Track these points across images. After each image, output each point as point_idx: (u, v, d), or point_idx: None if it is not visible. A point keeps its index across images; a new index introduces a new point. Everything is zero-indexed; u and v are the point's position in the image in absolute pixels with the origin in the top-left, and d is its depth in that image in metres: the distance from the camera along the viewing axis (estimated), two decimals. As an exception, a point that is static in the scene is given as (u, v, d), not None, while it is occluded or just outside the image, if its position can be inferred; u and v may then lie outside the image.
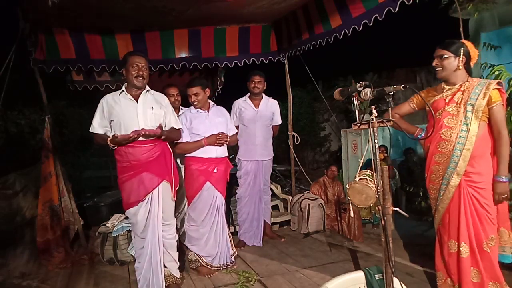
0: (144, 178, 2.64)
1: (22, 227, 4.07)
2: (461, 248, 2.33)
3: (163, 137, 2.70)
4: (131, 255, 3.53)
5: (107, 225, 3.63)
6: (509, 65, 3.54)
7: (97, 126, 2.71)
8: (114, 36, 4.32)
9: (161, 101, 2.83)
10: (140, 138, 2.62)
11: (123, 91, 2.72)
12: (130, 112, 2.66)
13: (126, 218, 3.72)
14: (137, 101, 2.70)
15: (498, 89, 2.25)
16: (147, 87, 2.78)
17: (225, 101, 4.22)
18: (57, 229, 3.78)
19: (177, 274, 2.93)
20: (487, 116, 2.29)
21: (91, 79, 5.26)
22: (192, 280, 3.09)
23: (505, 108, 2.32)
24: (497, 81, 2.31)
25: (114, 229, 3.58)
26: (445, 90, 2.42)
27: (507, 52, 4.23)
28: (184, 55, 4.67)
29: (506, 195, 2.24)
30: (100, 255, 3.56)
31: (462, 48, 2.30)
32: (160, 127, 2.68)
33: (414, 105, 2.60)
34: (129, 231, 3.60)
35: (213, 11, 3.88)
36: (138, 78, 2.66)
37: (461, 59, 2.30)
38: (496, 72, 3.08)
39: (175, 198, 2.86)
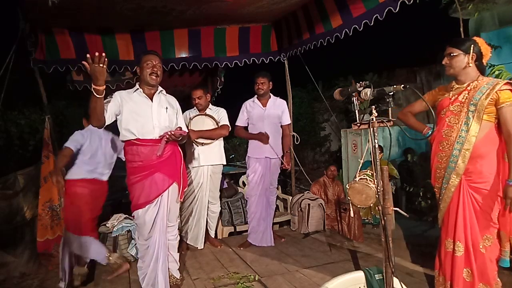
0: (156, 179, 2.61)
1: (22, 227, 4.07)
2: (456, 247, 2.33)
3: (180, 138, 2.67)
4: (131, 255, 3.54)
5: (107, 225, 3.63)
6: (509, 65, 3.54)
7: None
8: (114, 36, 4.32)
9: (173, 103, 2.84)
10: (152, 136, 2.60)
11: (137, 89, 2.70)
12: (145, 110, 2.64)
13: (126, 218, 3.73)
14: (151, 100, 2.69)
15: (510, 89, 2.17)
16: (160, 88, 2.77)
17: (225, 100, 4.24)
18: (57, 229, 3.78)
19: (177, 274, 2.92)
20: (495, 116, 2.22)
21: (91, 79, 5.26)
22: (192, 281, 3.09)
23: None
24: (506, 81, 2.22)
25: (114, 229, 3.58)
26: (453, 89, 2.39)
27: (507, 52, 4.23)
28: (184, 55, 4.67)
29: None
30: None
31: (472, 46, 2.24)
32: (180, 128, 2.67)
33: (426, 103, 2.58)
34: (129, 231, 3.60)
35: (213, 11, 3.89)
36: (152, 75, 2.65)
37: (470, 56, 2.25)
38: (496, 72, 3.08)
39: (181, 199, 2.84)
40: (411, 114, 2.65)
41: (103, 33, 4.24)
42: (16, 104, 6.06)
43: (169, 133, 2.57)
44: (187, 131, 2.86)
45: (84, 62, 2.23)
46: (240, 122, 3.98)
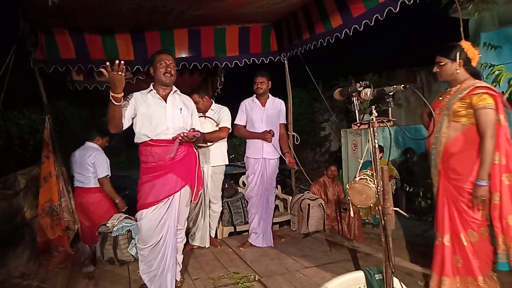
0: (169, 180, 2.57)
1: (22, 227, 4.06)
2: (444, 240, 2.46)
3: (195, 139, 2.62)
4: (131, 255, 3.54)
5: (107, 224, 3.63)
6: (509, 65, 3.54)
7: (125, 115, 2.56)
8: (114, 36, 4.32)
9: (187, 104, 2.80)
10: (166, 137, 2.57)
11: (151, 90, 2.67)
12: (158, 112, 2.60)
13: (126, 218, 3.72)
14: (165, 101, 2.66)
15: (486, 92, 2.25)
16: (174, 88, 2.74)
17: (225, 100, 4.23)
18: (57, 229, 3.78)
19: (178, 277, 2.90)
20: (473, 118, 2.30)
21: (91, 79, 5.27)
22: (192, 281, 3.09)
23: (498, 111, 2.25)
24: (477, 85, 2.29)
25: (114, 229, 3.58)
26: (445, 93, 2.51)
27: (507, 52, 4.22)
28: (184, 55, 4.67)
29: (484, 199, 2.26)
30: (100, 255, 3.56)
31: (459, 53, 2.35)
32: (194, 130, 2.63)
33: None
34: (129, 231, 3.60)
35: (213, 11, 3.89)
36: (166, 74, 2.62)
37: (457, 63, 2.35)
38: (496, 72, 3.07)
39: (195, 201, 2.81)
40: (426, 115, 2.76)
41: (103, 33, 4.24)
42: (16, 104, 6.06)
43: (182, 134, 2.54)
44: (201, 131, 2.81)
45: (102, 69, 2.25)
46: (240, 121, 3.96)
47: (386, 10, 3.16)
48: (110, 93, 2.32)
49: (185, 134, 2.54)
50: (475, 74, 2.42)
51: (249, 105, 3.93)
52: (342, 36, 3.75)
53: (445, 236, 2.45)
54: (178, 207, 2.65)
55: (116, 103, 2.35)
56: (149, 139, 2.57)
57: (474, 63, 2.39)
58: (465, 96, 2.30)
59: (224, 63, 4.84)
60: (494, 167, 2.26)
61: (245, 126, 3.97)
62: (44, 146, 3.84)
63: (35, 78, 3.89)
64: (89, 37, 4.20)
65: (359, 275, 2.07)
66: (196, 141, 2.68)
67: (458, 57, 2.34)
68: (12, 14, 3.63)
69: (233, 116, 4.03)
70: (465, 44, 2.38)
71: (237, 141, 10.48)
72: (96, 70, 4.41)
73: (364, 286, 2.05)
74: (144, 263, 2.67)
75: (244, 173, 4.73)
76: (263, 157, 3.85)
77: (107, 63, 2.24)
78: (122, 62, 2.25)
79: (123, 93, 2.35)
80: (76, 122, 7.86)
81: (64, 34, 4.06)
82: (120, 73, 2.25)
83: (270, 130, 3.78)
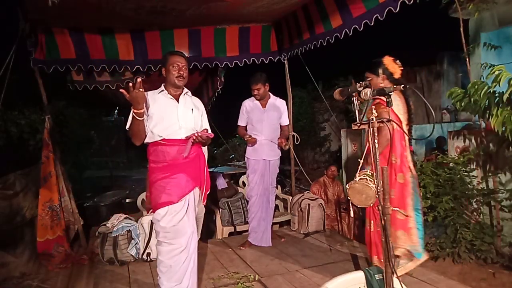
0: (180, 180, 2.54)
1: (22, 227, 4.07)
2: (371, 226, 2.80)
3: (204, 140, 2.60)
4: (131, 255, 3.54)
5: (107, 225, 3.63)
6: (509, 65, 3.54)
7: None
8: (114, 36, 4.32)
9: (198, 105, 2.79)
10: (179, 137, 2.56)
11: (162, 90, 2.66)
12: (170, 111, 2.59)
13: (126, 218, 3.73)
14: (177, 101, 2.66)
15: (378, 103, 2.59)
16: (186, 89, 2.74)
17: (225, 100, 4.23)
18: (57, 229, 3.79)
19: None
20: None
21: (91, 79, 5.27)
22: (192, 280, 3.09)
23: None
24: (376, 96, 2.49)
25: (114, 229, 3.58)
26: None
27: (507, 52, 4.24)
28: (184, 55, 4.66)
29: None
30: (100, 255, 3.56)
31: (381, 69, 2.73)
32: (207, 130, 2.62)
33: None
34: (129, 231, 3.61)
35: (213, 11, 3.89)
36: (179, 78, 2.60)
37: (381, 78, 2.73)
38: (496, 72, 3.07)
39: (204, 203, 2.80)
40: None
41: (103, 33, 4.24)
42: (16, 104, 6.05)
43: (195, 134, 2.52)
44: (213, 134, 2.77)
45: (122, 91, 2.28)
46: (241, 122, 3.97)
47: (386, 10, 3.16)
48: (133, 110, 2.35)
49: (199, 134, 2.52)
50: (398, 84, 2.69)
51: (249, 105, 3.92)
52: (342, 36, 3.74)
53: (371, 223, 2.78)
54: (195, 208, 2.63)
55: (139, 118, 2.38)
56: (161, 138, 2.56)
57: (396, 76, 2.73)
58: (373, 104, 2.63)
59: (224, 63, 4.83)
60: (391, 166, 2.60)
61: (245, 127, 3.98)
62: (44, 146, 3.84)
63: (35, 78, 3.89)
64: (89, 37, 4.20)
65: (359, 275, 2.07)
66: (206, 142, 2.67)
67: (381, 73, 2.72)
68: (12, 14, 3.64)
69: (234, 115, 4.04)
70: (386, 60, 2.74)
71: (237, 141, 10.49)
72: (96, 70, 4.42)
73: (364, 286, 2.05)
74: (164, 263, 2.49)
75: (244, 173, 4.74)
76: (263, 158, 3.85)
77: (129, 84, 2.28)
78: (140, 79, 2.29)
79: (144, 108, 2.38)
80: (76, 122, 7.86)
81: (64, 34, 4.06)
82: (141, 90, 2.28)
83: (250, 136, 3.78)
